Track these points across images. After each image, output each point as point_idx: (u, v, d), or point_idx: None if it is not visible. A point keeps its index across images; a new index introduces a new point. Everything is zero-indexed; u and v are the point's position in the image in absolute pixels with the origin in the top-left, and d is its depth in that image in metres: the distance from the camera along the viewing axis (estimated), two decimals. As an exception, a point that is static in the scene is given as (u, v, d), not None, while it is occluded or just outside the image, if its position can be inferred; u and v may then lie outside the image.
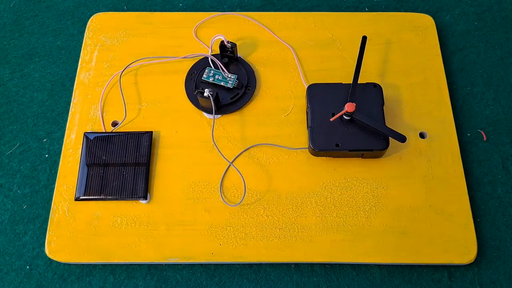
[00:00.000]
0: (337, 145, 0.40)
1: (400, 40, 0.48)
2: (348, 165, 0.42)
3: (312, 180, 0.41)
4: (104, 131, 0.43)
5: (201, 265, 0.40)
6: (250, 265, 0.40)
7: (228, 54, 0.45)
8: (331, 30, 0.49)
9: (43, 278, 0.40)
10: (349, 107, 0.39)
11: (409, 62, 0.47)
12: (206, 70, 0.45)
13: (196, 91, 0.43)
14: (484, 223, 0.41)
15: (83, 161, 0.41)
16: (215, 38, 0.44)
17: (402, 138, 0.39)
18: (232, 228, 0.40)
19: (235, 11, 0.50)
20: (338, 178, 0.41)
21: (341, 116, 0.41)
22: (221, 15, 0.49)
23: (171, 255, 0.39)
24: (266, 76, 0.46)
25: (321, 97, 0.42)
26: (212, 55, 0.45)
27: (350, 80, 0.41)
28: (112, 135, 0.42)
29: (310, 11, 0.50)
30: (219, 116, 0.44)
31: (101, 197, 0.40)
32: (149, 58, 0.47)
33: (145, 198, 0.40)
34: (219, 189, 0.41)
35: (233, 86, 0.44)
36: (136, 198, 0.40)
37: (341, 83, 0.43)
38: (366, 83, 0.43)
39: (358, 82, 0.41)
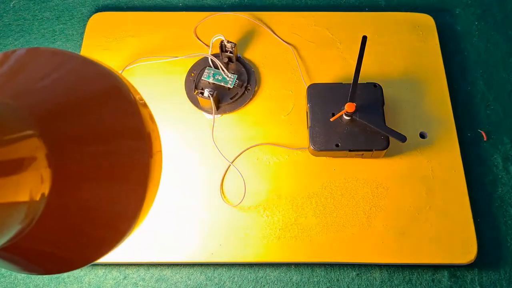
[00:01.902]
0: (337, 145, 0.40)
1: (400, 40, 0.48)
2: (348, 165, 0.42)
3: (312, 180, 0.41)
4: (104, 131, 0.43)
5: (201, 265, 0.40)
6: (250, 265, 0.40)
7: (228, 54, 0.45)
8: (331, 30, 0.49)
9: (42, 278, 0.40)
10: (349, 107, 0.39)
11: (409, 62, 0.47)
12: (206, 70, 0.45)
13: (196, 91, 0.43)
14: (484, 223, 0.41)
15: (83, 161, 0.41)
16: (215, 38, 0.44)
17: (402, 138, 0.39)
18: (232, 228, 0.40)
19: (235, 11, 0.50)
20: (338, 178, 0.41)
21: (341, 116, 0.41)
22: (221, 15, 0.49)
23: (171, 255, 0.39)
24: (266, 76, 0.46)
25: (321, 97, 0.42)
26: (212, 55, 0.45)
27: (350, 80, 0.41)
28: (112, 135, 0.42)
29: (310, 11, 0.50)
30: (219, 116, 0.44)
31: (101, 197, 0.40)
32: (149, 58, 0.47)
33: (145, 198, 0.40)
34: (219, 189, 0.41)
35: (233, 86, 0.44)
36: (136, 198, 0.40)
37: (341, 83, 0.43)
38: (366, 83, 0.43)
39: (358, 82, 0.41)
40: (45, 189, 0.21)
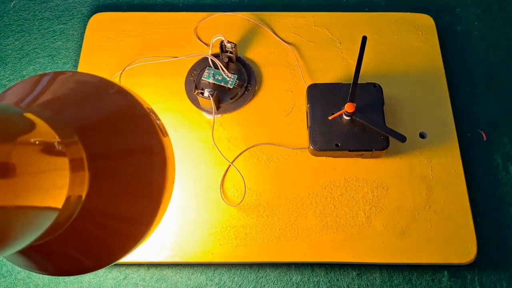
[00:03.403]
0: (337, 145, 0.40)
1: (400, 40, 0.48)
2: (348, 165, 0.42)
3: (312, 180, 0.41)
4: (104, 131, 0.44)
5: (201, 265, 0.40)
6: (250, 265, 0.40)
7: (228, 54, 0.45)
8: (331, 30, 0.49)
9: (42, 278, 0.40)
10: (349, 107, 0.39)
11: (409, 62, 0.47)
12: (206, 70, 0.45)
13: (196, 91, 0.43)
14: (484, 223, 0.41)
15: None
16: (215, 38, 0.44)
17: (402, 138, 0.39)
18: (232, 228, 0.40)
19: (235, 11, 0.50)
20: (338, 178, 0.41)
21: (341, 116, 0.41)
22: (221, 15, 0.49)
23: (171, 255, 0.39)
24: (266, 76, 0.46)
25: (321, 97, 0.42)
26: (212, 55, 0.45)
27: (350, 80, 0.41)
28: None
29: (310, 11, 0.50)
30: (219, 116, 0.44)
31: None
32: (149, 58, 0.47)
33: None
34: (219, 189, 0.41)
35: (233, 86, 0.44)
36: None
37: (341, 83, 0.43)
38: (366, 83, 0.43)
39: (358, 82, 0.41)
40: (83, 191, 0.24)
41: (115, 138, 0.26)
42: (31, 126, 0.22)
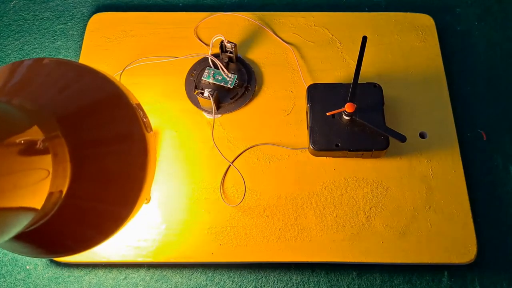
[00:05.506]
0: (337, 145, 0.40)
1: (400, 40, 0.48)
2: (348, 165, 0.42)
3: (312, 180, 0.41)
4: (104, 131, 0.44)
5: (201, 265, 0.40)
6: (250, 265, 0.40)
7: (228, 54, 0.45)
8: (331, 30, 0.49)
9: (42, 278, 0.40)
10: (349, 107, 0.39)
11: (409, 62, 0.47)
12: (206, 70, 0.45)
13: (196, 91, 0.43)
14: (484, 223, 0.41)
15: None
16: (215, 38, 0.44)
17: (402, 138, 0.39)
18: (232, 228, 0.40)
19: (235, 11, 0.50)
20: (338, 178, 0.41)
21: (341, 116, 0.41)
22: (221, 15, 0.49)
23: (171, 255, 0.39)
24: (266, 76, 0.46)
25: (321, 97, 0.42)
26: (212, 55, 0.45)
27: (350, 80, 0.41)
28: (112, 135, 0.43)
29: (310, 11, 0.50)
30: (219, 116, 0.44)
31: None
32: (149, 58, 0.47)
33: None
34: (219, 189, 0.41)
35: (233, 86, 0.44)
36: (136, 198, 0.40)
37: (341, 83, 0.43)
38: (366, 83, 0.43)
39: (358, 82, 0.41)
40: (65, 181, 0.24)
41: (96, 126, 0.27)
42: (15, 124, 0.22)
